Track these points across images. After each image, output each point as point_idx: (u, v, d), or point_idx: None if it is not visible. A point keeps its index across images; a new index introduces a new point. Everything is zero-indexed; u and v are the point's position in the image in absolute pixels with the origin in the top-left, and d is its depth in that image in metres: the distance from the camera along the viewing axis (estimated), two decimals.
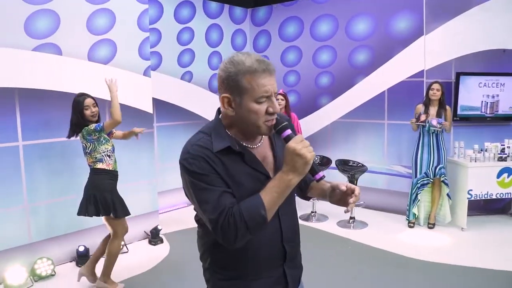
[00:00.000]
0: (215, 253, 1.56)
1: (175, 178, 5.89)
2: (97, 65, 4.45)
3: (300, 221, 5.44)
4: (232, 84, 1.40)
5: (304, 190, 1.80)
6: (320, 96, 6.46)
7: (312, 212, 5.63)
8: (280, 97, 5.71)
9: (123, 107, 4.41)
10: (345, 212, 1.60)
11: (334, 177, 5.97)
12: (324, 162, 5.68)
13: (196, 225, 1.61)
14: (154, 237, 4.76)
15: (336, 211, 5.73)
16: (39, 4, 3.99)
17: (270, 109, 1.41)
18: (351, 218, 5.34)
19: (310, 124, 6.46)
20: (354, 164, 5.38)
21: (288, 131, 1.43)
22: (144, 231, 4.90)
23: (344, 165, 5.39)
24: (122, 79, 4.51)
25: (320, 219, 5.57)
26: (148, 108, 4.95)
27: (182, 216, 5.80)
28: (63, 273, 4.07)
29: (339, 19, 6.13)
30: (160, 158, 5.91)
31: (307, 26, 6.44)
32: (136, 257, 4.40)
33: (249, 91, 1.39)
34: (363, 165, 5.29)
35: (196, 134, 1.50)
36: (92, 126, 3.52)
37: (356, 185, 5.15)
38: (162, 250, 4.60)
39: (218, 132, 1.47)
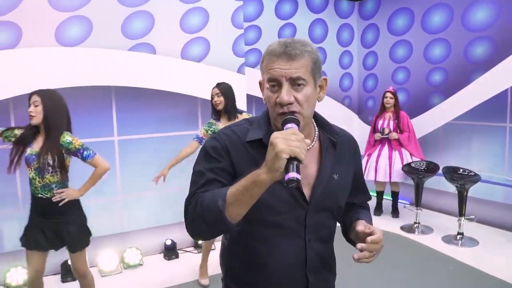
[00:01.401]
0: (229, 262, 1.49)
1: None
2: (190, 63, 4.51)
3: (401, 232, 4.95)
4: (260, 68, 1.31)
5: (347, 229, 1.53)
6: (431, 95, 5.81)
7: (415, 223, 5.08)
8: (389, 95, 5.30)
9: None
10: (355, 259, 1.27)
11: (443, 185, 5.33)
12: (430, 169, 5.06)
13: None
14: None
15: (444, 224, 5.13)
16: (135, 6, 4.17)
17: (278, 99, 1.23)
18: (459, 233, 4.69)
19: (419, 126, 5.84)
20: (464, 173, 4.68)
21: (290, 125, 1.17)
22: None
23: (453, 173, 4.73)
24: (215, 76, 4.55)
25: (424, 231, 5.00)
26: (242, 106, 4.90)
27: None
28: (151, 264, 4.22)
29: (454, 8, 5.43)
30: None
31: (418, 17, 5.84)
32: None
33: (264, 75, 1.29)
34: (475, 174, 4.58)
35: (240, 121, 1.43)
36: None
37: (466, 196, 4.55)
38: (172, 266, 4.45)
39: (260, 123, 1.36)
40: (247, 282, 1.42)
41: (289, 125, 1.18)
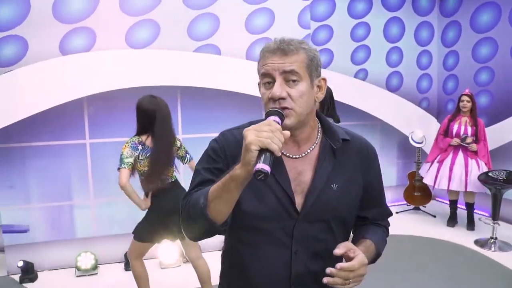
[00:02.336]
0: (223, 262, 1.49)
1: None
2: (256, 64, 4.51)
3: (475, 247, 4.55)
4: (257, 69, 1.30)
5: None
6: None
7: (491, 237, 4.58)
8: (465, 98, 4.93)
9: None
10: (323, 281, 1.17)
11: None
12: (511, 179, 4.59)
13: None
14: None
15: None
16: (201, 8, 4.27)
17: (270, 94, 1.19)
18: None
19: (504, 132, 5.32)
20: None
21: (272, 117, 1.13)
22: None
23: None
24: None
25: (501, 247, 4.51)
26: None
27: None
28: (211, 260, 4.29)
29: None
30: None
31: (505, 12, 5.31)
32: None
33: (259, 74, 1.26)
34: None
35: (244, 124, 1.36)
36: None
37: None
38: None
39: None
40: (235, 285, 1.42)
41: (271, 117, 1.13)
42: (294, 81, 1.19)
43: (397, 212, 5.82)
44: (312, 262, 1.28)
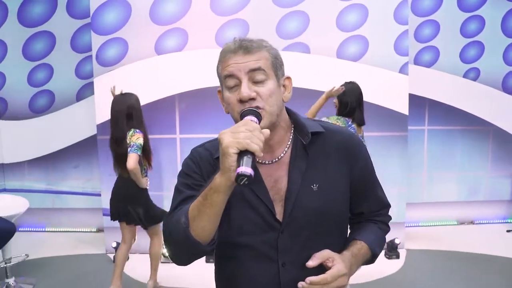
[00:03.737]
0: (215, 279, 1.38)
1: (441, 191, 5.24)
2: (347, 62, 4.34)
3: None
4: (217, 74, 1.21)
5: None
6: None
7: None
8: None
9: (375, 107, 4.21)
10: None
11: None
12: None
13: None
14: (390, 250, 4.32)
15: None
16: (290, 6, 4.20)
17: (238, 95, 1.11)
18: None
19: None
20: None
21: (249, 117, 1.05)
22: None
23: None
24: (374, 76, 4.29)
25: None
26: (403, 109, 4.49)
27: (437, 234, 5.00)
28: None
29: None
30: (419, 166, 5.26)
31: None
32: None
33: (220, 77, 1.18)
34: None
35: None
36: None
37: None
38: (392, 266, 4.12)
39: None
40: None
41: (247, 117, 1.05)
42: (261, 80, 1.11)
43: (508, 231, 5.15)
44: (302, 272, 1.13)
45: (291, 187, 1.17)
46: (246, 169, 0.93)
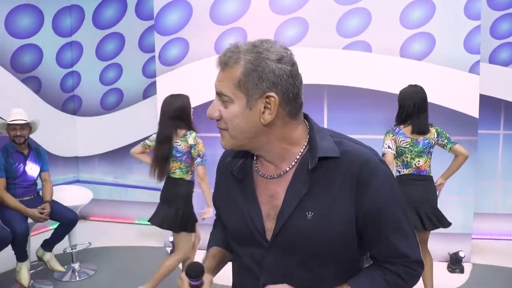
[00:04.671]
0: None
1: None
2: (410, 61, 4.12)
3: None
4: None
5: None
6: None
7: None
8: None
9: (442, 109, 3.96)
10: None
11: None
12: None
13: None
14: (453, 263, 4.04)
15: None
16: (352, 3, 4.07)
17: None
18: None
19: None
20: None
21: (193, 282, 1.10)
22: (448, 253, 4.21)
23: None
24: (440, 76, 4.05)
25: None
26: (473, 111, 4.17)
27: (508, 249, 4.55)
28: None
29: None
30: (492, 173, 4.85)
31: None
32: None
33: None
34: None
35: None
36: None
37: None
38: (455, 280, 3.83)
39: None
40: None
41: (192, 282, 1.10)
42: (225, 101, 1.05)
43: None
44: None
45: (284, 208, 1.07)
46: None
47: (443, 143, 3.19)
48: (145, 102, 5.32)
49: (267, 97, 1.03)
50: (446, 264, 4.15)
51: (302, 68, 4.35)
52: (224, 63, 1.03)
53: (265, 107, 1.03)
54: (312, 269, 1.09)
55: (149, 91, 5.24)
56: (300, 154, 1.10)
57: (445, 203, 3.48)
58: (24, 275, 3.42)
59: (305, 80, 3.99)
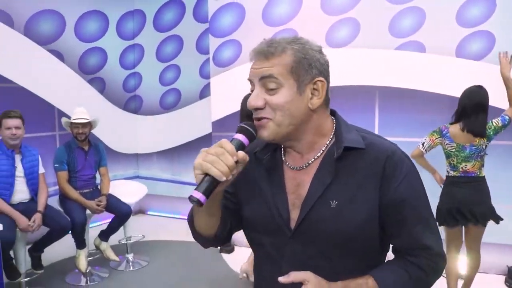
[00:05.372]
0: None
1: None
2: (467, 61, 3.96)
3: None
4: None
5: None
6: None
7: None
8: None
9: (500, 111, 3.77)
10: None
11: None
12: None
13: None
14: (511, 277, 3.84)
15: None
16: (405, 3, 3.98)
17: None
18: None
19: None
20: None
21: (236, 136, 1.04)
22: (507, 266, 3.98)
23: None
24: (499, 77, 3.85)
25: None
26: None
27: None
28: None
29: None
30: None
31: None
32: None
33: None
34: None
35: None
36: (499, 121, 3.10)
37: None
38: None
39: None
40: None
41: (235, 136, 1.03)
42: (273, 88, 1.05)
43: None
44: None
45: (309, 197, 1.10)
46: (196, 193, 0.95)
47: (501, 130, 3.08)
48: (202, 102, 5.50)
49: (315, 82, 1.08)
50: (504, 277, 3.92)
51: (354, 69, 4.42)
52: (271, 53, 1.05)
53: (312, 93, 1.09)
54: (333, 259, 1.10)
55: (205, 91, 5.41)
56: (326, 145, 1.14)
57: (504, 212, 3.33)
58: (82, 262, 3.69)
59: (357, 81, 4.02)
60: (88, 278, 3.78)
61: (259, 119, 1.07)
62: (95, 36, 5.26)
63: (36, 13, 4.64)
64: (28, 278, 3.52)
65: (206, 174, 0.96)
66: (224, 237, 1.23)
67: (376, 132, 4.13)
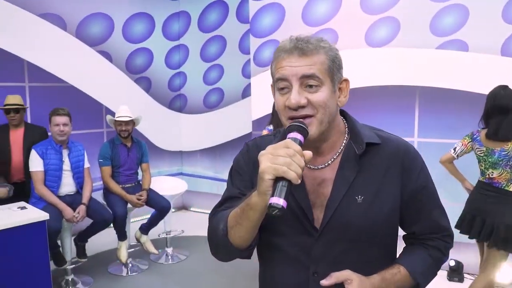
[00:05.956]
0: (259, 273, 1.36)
1: None
2: None
3: None
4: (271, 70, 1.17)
5: None
6: None
7: None
8: None
9: None
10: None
11: None
12: None
13: None
14: (452, 272, 3.69)
15: None
16: (446, 0, 3.87)
17: (286, 101, 1.06)
18: None
19: None
20: None
21: (293, 134, 1.01)
22: (449, 263, 3.82)
23: None
24: None
25: None
26: None
27: None
28: None
29: None
30: None
31: None
32: None
33: (273, 76, 1.13)
34: None
35: (272, 132, 1.32)
36: None
37: None
38: None
39: (283, 134, 1.17)
40: None
41: (291, 135, 1.00)
42: (314, 86, 1.05)
43: None
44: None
45: (334, 195, 1.11)
46: (278, 200, 0.90)
47: None
48: (244, 101, 5.58)
49: (341, 82, 1.12)
50: (446, 272, 3.88)
51: (393, 69, 4.36)
52: (309, 50, 1.05)
53: (340, 90, 1.12)
54: (361, 253, 1.13)
55: (247, 91, 5.49)
56: (343, 143, 1.17)
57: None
58: (123, 253, 3.88)
59: (396, 81, 3.98)
60: (128, 268, 3.96)
61: (303, 117, 1.05)
62: (142, 37, 5.48)
63: (87, 16, 4.90)
64: (73, 266, 3.74)
65: (280, 178, 0.92)
66: (253, 248, 1.18)
67: (416, 133, 4.08)
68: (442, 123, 3.99)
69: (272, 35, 4.58)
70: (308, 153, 0.95)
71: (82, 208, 3.60)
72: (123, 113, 3.97)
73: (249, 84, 5.36)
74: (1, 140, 3.76)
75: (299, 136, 1.00)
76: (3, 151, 3.74)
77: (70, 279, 3.71)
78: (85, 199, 3.67)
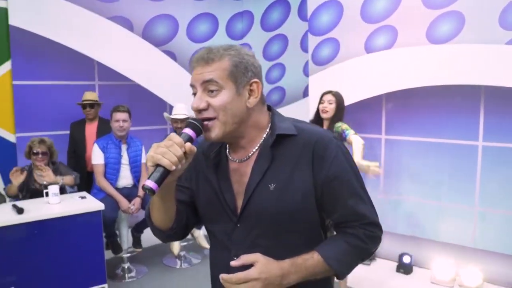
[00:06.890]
0: None
1: None
2: None
3: None
4: None
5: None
6: None
7: None
8: None
9: None
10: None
11: None
12: None
13: None
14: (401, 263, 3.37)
15: None
16: None
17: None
18: None
19: None
20: None
21: (186, 130, 1.15)
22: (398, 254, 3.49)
23: None
24: None
25: None
26: None
27: None
28: None
29: None
30: None
31: None
32: None
33: None
34: None
35: None
36: None
37: None
38: None
39: None
40: None
41: (184, 130, 1.15)
42: (214, 90, 1.17)
43: None
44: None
45: (250, 184, 1.23)
46: (150, 182, 1.05)
47: None
48: (305, 100, 5.54)
49: (251, 84, 1.21)
50: (396, 264, 3.91)
51: (457, 66, 4.17)
52: (211, 59, 1.17)
53: (249, 94, 1.21)
54: (279, 239, 1.23)
55: (308, 89, 5.45)
56: (264, 137, 1.27)
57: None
58: (175, 245, 4.02)
59: (460, 81, 3.78)
60: (181, 261, 4.11)
61: (205, 120, 1.18)
62: (205, 37, 5.63)
63: (153, 18, 5.13)
64: (129, 254, 3.95)
65: (158, 165, 1.07)
66: (181, 231, 1.35)
67: (481, 136, 3.81)
68: (509, 126, 3.69)
69: (331, 33, 4.50)
70: (189, 145, 1.09)
71: (137, 201, 3.79)
72: (179, 110, 4.11)
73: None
74: (77, 133, 4.11)
75: (190, 132, 1.13)
76: (79, 143, 4.09)
77: (126, 267, 3.93)
78: (141, 192, 3.85)
